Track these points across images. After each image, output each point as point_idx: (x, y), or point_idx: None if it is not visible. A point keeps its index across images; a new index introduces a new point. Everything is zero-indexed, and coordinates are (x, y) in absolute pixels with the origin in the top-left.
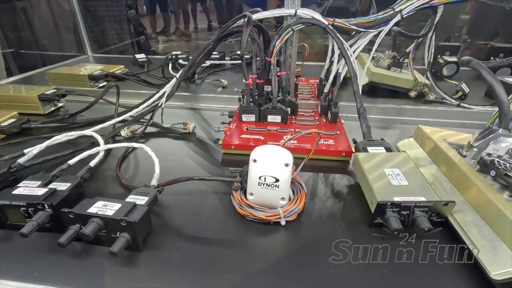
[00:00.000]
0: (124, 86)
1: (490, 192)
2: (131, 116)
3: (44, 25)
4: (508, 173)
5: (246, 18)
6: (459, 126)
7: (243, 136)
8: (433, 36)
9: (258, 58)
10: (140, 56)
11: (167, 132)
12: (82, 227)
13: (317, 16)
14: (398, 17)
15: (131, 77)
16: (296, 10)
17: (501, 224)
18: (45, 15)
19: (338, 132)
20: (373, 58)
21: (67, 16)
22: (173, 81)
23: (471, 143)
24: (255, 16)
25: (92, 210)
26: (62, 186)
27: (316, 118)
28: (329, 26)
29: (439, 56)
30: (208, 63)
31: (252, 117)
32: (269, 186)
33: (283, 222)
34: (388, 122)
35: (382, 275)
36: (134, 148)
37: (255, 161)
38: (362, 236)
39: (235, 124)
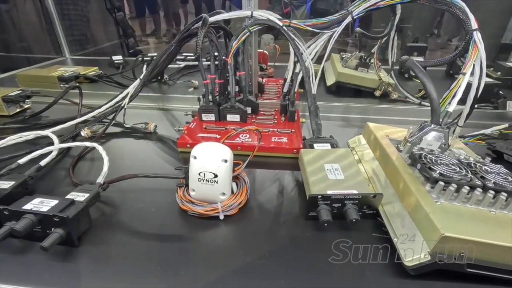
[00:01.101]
0: (97, 87)
1: (413, 184)
2: (93, 117)
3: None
4: (432, 167)
5: (202, 20)
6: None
7: (200, 135)
8: (395, 37)
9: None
10: (117, 58)
11: (130, 132)
12: None
13: (272, 17)
14: (349, 18)
15: (104, 78)
16: (252, 12)
17: (418, 214)
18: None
19: (293, 130)
20: (342, 58)
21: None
22: (137, 82)
23: (406, 138)
24: (213, 18)
25: (28, 206)
26: (5, 184)
27: (276, 117)
28: (283, 27)
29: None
30: (182, 64)
31: (212, 117)
32: (208, 181)
33: (221, 216)
34: (351, 120)
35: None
36: (87, 148)
37: (195, 157)
38: (298, 227)
39: (195, 123)
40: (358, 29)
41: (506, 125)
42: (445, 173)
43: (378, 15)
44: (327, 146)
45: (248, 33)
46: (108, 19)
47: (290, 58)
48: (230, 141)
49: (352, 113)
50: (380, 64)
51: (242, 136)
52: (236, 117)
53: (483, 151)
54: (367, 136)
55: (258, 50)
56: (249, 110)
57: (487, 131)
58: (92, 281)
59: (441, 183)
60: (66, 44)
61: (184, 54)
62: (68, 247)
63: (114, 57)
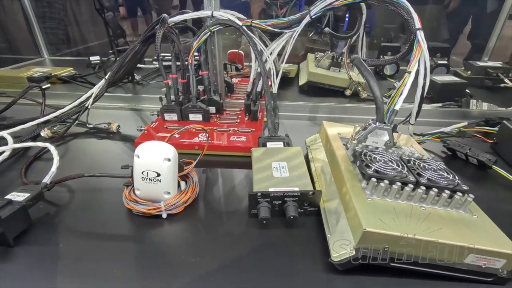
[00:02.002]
0: (70, 88)
1: (350, 181)
2: (55, 117)
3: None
4: (369, 164)
5: (161, 20)
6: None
7: (159, 134)
8: (364, 36)
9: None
10: (94, 58)
11: (94, 132)
12: None
13: (233, 17)
14: (307, 18)
15: (78, 79)
16: (212, 12)
17: (350, 211)
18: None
19: (253, 130)
20: (315, 58)
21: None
22: (102, 82)
23: (353, 136)
24: (175, 19)
25: None
26: None
27: (240, 116)
28: (243, 26)
29: (381, 56)
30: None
31: (174, 116)
32: (152, 180)
33: (164, 215)
34: (318, 119)
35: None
36: (44, 148)
37: (138, 157)
38: (240, 225)
39: (157, 123)
40: (326, 29)
41: (466, 123)
42: (380, 170)
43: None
44: (280, 144)
45: (209, 33)
46: (97, 19)
47: (253, 57)
48: (188, 141)
49: (319, 112)
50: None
51: (201, 135)
52: (199, 117)
53: (440, 149)
54: (322, 134)
55: (234, 50)
56: (213, 109)
57: (447, 129)
58: (24, 280)
59: (374, 179)
60: (44, 44)
61: (162, 54)
62: (4, 247)
63: (91, 58)
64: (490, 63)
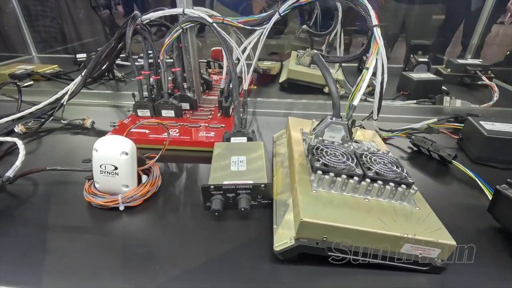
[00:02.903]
0: (55, 85)
1: (299, 174)
2: (31, 113)
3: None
4: (319, 158)
5: (131, 17)
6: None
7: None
8: (342, 34)
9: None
10: (80, 56)
11: (69, 128)
12: None
13: (204, 15)
14: (276, 15)
15: (63, 76)
16: (184, 9)
17: (295, 202)
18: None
19: (223, 125)
20: (297, 56)
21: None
22: (78, 79)
23: (310, 131)
24: (147, 16)
25: None
26: None
27: (213, 112)
28: (214, 24)
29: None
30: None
31: (147, 112)
32: (109, 173)
33: (121, 208)
34: (295, 116)
35: None
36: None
37: (96, 150)
38: (195, 218)
39: (130, 119)
40: (304, 26)
41: (435, 120)
42: (329, 163)
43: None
44: (243, 139)
45: (181, 30)
46: (95, 17)
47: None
48: (156, 136)
49: (296, 109)
50: None
51: (171, 131)
52: (171, 113)
53: (407, 144)
54: (287, 130)
55: (217, 48)
56: (187, 106)
57: (417, 125)
58: None
59: (320, 172)
60: (32, 42)
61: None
62: None
63: (78, 55)
64: (470, 61)
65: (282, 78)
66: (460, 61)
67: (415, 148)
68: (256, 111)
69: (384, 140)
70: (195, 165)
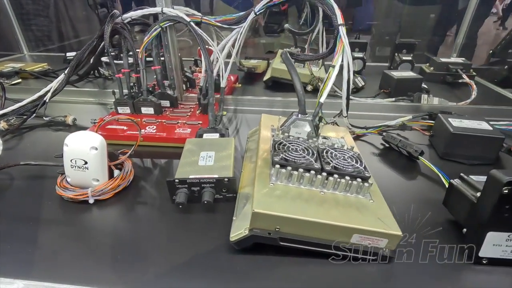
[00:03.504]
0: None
1: (260, 168)
2: (12, 110)
3: None
4: (280, 153)
5: (110, 15)
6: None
7: (108, 126)
8: (324, 32)
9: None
10: (70, 54)
11: (51, 125)
12: None
13: (181, 14)
14: (252, 15)
15: (51, 74)
16: (162, 8)
17: (252, 194)
18: None
19: (201, 122)
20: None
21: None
22: (61, 77)
23: (278, 127)
24: (127, 15)
25: None
26: None
27: (192, 110)
28: (191, 23)
29: None
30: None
31: (127, 109)
32: (80, 168)
33: (91, 201)
34: (274, 113)
35: None
36: None
37: (67, 145)
38: (162, 211)
39: (110, 116)
40: (286, 25)
41: (410, 117)
42: (289, 158)
43: None
44: (216, 136)
45: (159, 28)
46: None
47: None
48: (132, 132)
49: (277, 107)
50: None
51: (149, 128)
52: (150, 110)
53: (380, 141)
54: (260, 126)
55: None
56: (167, 103)
57: (392, 122)
58: None
59: (278, 166)
60: (24, 41)
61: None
62: None
63: (68, 54)
64: (453, 60)
65: (266, 77)
66: (443, 59)
67: (386, 145)
68: (238, 109)
69: (358, 136)
70: (170, 161)
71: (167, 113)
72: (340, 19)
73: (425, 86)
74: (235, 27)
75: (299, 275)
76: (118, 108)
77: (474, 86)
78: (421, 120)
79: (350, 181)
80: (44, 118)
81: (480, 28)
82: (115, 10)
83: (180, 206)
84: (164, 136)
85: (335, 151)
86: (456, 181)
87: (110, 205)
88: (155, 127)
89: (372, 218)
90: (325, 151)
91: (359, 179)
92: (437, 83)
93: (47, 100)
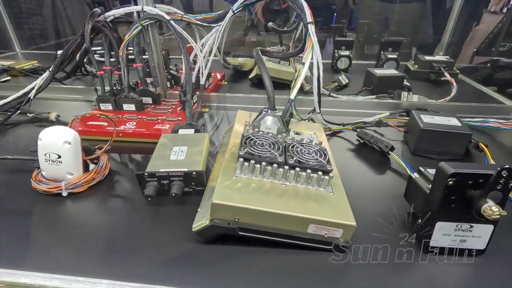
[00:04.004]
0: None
1: (226, 162)
2: None
3: None
4: (246, 147)
5: (90, 14)
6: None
7: (89, 123)
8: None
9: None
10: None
11: (35, 121)
12: None
13: (161, 12)
14: (230, 13)
15: (41, 72)
16: (143, 7)
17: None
18: None
19: (180, 119)
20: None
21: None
22: (46, 74)
23: (249, 123)
24: (109, 13)
25: None
26: None
27: (174, 106)
28: (171, 21)
29: (336, 51)
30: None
31: (109, 106)
32: (53, 162)
33: (64, 193)
34: (255, 110)
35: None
36: None
37: (40, 140)
38: (133, 203)
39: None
40: (270, 24)
41: (387, 114)
42: (254, 152)
43: None
44: (191, 131)
45: (140, 27)
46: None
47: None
48: (112, 128)
49: (258, 104)
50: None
51: (128, 124)
52: (132, 106)
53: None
54: (235, 122)
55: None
56: (149, 100)
57: (370, 119)
58: None
59: (241, 159)
60: (16, 39)
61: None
62: None
63: (59, 51)
64: (437, 58)
65: (252, 74)
66: (427, 57)
67: (361, 141)
68: (221, 106)
69: (335, 133)
70: (147, 156)
71: (149, 109)
72: (309, 17)
73: (408, 83)
74: (215, 25)
75: (259, 264)
76: (100, 104)
77: (455, 84)
78: (398, 117)
79: (311, 174)
80: (28, 114)
81: (480, 26)
82: (95, 9)
83: (149, 199)
84: (143, 132)
85: (302, 146)
86: (414, 175)
87: (84, 198)
88: (135, 123)
89: (328, 209)
90: (291, 145)
91: (320, 172)
92: (421, 80)
93: (31, 97)
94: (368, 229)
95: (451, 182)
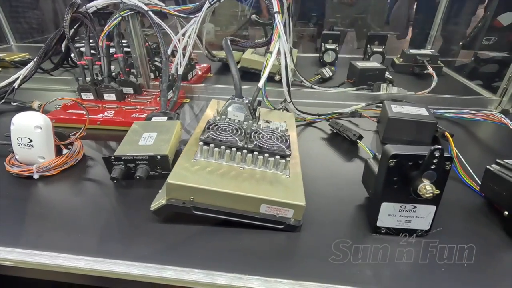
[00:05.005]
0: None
1: (189, 146)
2: None
3: None
4: (210, 132)
5: (69, 4)
6: (304, 105)
7: (69, 111)
8: (290, 23)
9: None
10: None
11: (19, 110)
12: None
13: (140, 3)
14: (207, 4)
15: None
16: None
17: None
18: None
19: (157, 108)
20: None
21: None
22: (30, 64)
23: (218, 110)
24: (91, 4)
25: None
26: None
27: (154, 96)
28: (149, 12)
29: (322, 44)
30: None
31: (90, 95)
32: (25, 146)
33: (35, 176)
34: None
35: None
36: None
37: (13, 124)
38: (101, 186)
39: (73, 101)
40: (253, 16)
41: (363, 105)
42: (215, 137)
43: None
44: (164, 119)
45: (120, 17)
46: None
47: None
48: (92, 116)
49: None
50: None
51: (107, 112)
52: (112, 96)
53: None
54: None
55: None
56: (131, 90)
57: (346, 110)
58: None
59: (201, 143)
60: (11, 32)
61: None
62: None
63: None
64: (422, 51)
65: (237, 66)
66: (412, 51)
67: (334, 130)
68: (203, 97)
69: (311, 123)
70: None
71: (129, 99)
72: (276, 7)
73: (389, 76)
74: (193, 16)
75: (216, 242)
76: (82, 94)
77: (435, 76)
78: (374, 108)
79: (269, 158)
80: (12, 103)
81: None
82: (75, 0)
83: (115, 181)
84: (120, 120)
85: (265, 132)
86: (369, 160)
87: (55, 181)
88: (113, 112)
89: (281, 191)
90: (255, 132)
91: (278, 157)
92: (406, 74)
93: (15, 87)
94: (324, 212)
95: (392, 164)
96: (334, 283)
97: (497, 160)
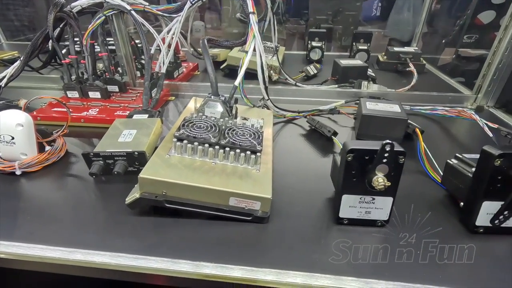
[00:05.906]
0: None
1: (164, 142)
2: None
3: None
4: (183, 129)
5: (53, 4)
6: (289, 102)
7: (54, 109)
8: (275, 22)
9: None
10: None
11: (6, 108)
12: None
13: (123, 3)
14: (188, 4)
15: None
16: None
17: None
18: None
19: (141, 105)
20: None
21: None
22: (17, 63)
23: (195, 108)
24: (75, 3)
25: None
26: None
27: (139, 95)
28: (132, 11)
29: (309, 42)
30: None
31: (76, 94)
32: (7, 143)
33: (18, 172)
34: None
35: None
36: None
37: None
38: (80, 182)
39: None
40: (237, 15)
41: (342, 102)
42: (189, 133)
43: None
44: (145, 116)
45: (103, 17)
46: None
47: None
48: (76, 114)
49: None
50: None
51: (91, 110)
52: (97, 94)
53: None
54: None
55: None
56: (116, 88)
57: (325, 107)
58: None
59: (174, 139)
60: (0, 29)
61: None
62: None
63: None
64: (405, 49)
65: (223, 65)
66: (396, 49)
67: (312, 127)
68: (189, 94)
69: (290, 120)
70: None
71: (114, 97)
72: (250, 8)
73: (372, 73)
74: (175, 15)
75: (189, 234)
76: (67, 92)
77: (415, 74)
78: (353, 105)
79: (240, 153)
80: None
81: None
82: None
83: (94, 176)
84: (104, 118)
85: (239, 129)
86: (335, 155)
87: (37, 177)
88: (97, 109)
89: (249, 184)
90: (229, 129)
91: (248, 152)
92: (390, 71)
93: (2, 85)
94: (293, 204)
95: (350, 158)
96: (294, 270)
97: (456, 154)
